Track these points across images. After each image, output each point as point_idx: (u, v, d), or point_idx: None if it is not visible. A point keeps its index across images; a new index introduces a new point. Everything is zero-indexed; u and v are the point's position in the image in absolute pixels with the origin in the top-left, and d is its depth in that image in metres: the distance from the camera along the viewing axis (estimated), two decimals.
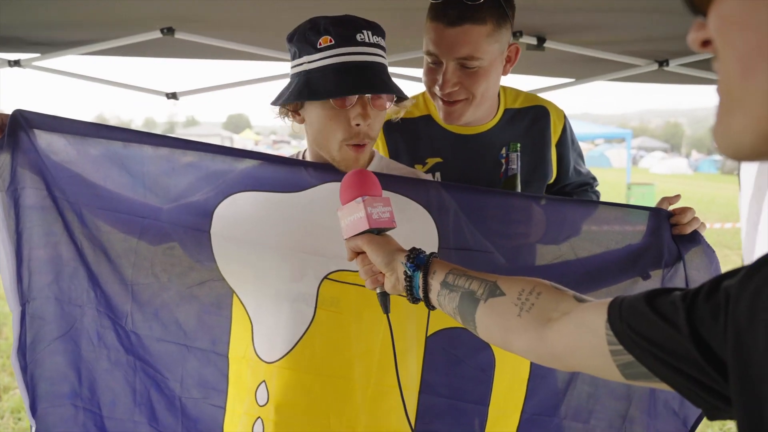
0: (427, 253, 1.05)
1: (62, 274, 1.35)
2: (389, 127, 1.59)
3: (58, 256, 1.34)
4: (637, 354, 0.71)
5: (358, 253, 1.12)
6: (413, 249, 1.05)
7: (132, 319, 1.36)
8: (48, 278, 1.34)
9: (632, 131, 32.24)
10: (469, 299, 0.95)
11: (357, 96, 1.23)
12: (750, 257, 3.02)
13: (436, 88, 1.49)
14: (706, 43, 0.52)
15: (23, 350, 1.33)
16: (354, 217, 1.09)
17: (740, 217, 3.02)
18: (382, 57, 1.28)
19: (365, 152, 1.30)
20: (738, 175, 2.99)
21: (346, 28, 1.22)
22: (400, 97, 1.32)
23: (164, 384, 1.38)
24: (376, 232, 1.10)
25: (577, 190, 1.79)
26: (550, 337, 0.84)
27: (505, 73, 1.57)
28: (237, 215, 1.32)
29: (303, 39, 1.25)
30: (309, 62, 1.24)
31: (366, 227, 1.08)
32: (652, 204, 1.42)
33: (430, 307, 1.04)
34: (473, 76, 1.47)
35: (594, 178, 1.85)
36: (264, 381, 1.34)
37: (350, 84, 1.22)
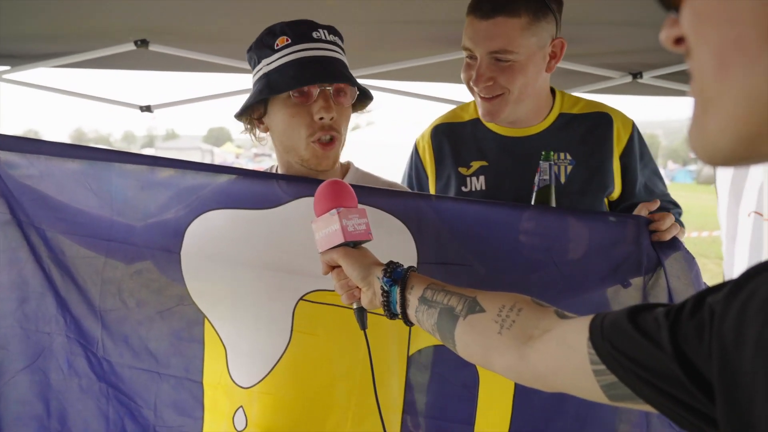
0: (405, 267, 1.02)
1: (28, 300, 1.30)
2: (437, 132, 1.60)
3: (23, 282, 1.29)
4: (620, 374, 0.68)
5: (333, 267, 1.08)
6: (390, 263, 1.02)
7: (103, 345, 1.31)
8: (12, 305, 1.29)
9: None
10: (448, 316, 0.92)
11: (319, 90, 1.23)
12: (730, 268, 3.06)
13: (473, 84, 1.46)
14: (679, 41, 0.49)
15: None
16: (329, 229, 1.06)
17: (720, 228, 3.06)
18: (341, 54, 1.28)
19: (334, 149, 1.27)
20: (715, 185, 3.03)
21: (301, 27, 1.24)
22: (363, 92, 1.31)
23: (138, 412, 1.33)
24: (352, 245, 1.06)
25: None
26: (531, 356, 0.81)
27: (549, 69, 1.51)
28: (209, 234, 1.28)
29: (260, 44, 1.27)
30: (267, 64, 1.25)
31: (341, 240, 1.04)
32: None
33: (408, 323, 1.01)
34: (508, 70, 1.43)
35: (675, 204, 1.64)
36: (241, 406, 1.31)
37: (309, 76, 1.22)
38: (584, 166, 1.54)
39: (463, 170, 1.55)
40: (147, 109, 2.75)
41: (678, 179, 30.14)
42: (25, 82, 2.84)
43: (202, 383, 1.32)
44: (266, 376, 1.29)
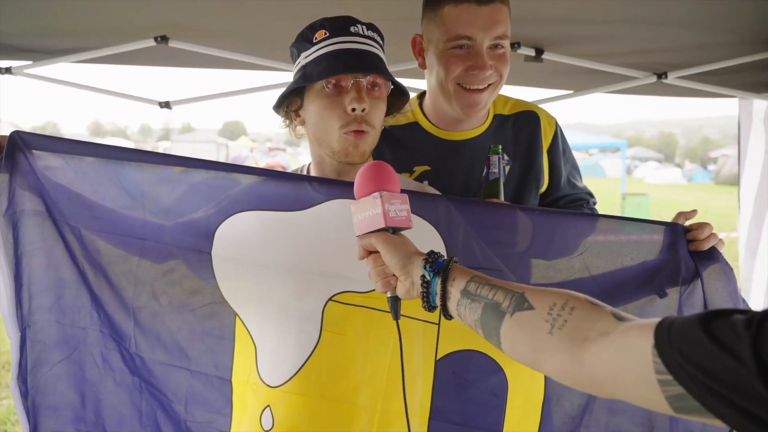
0: (447, 257, 0.97)
1: (64, 297, 1.32)
2: None
3: (59, 279, 1.31)
4: (689, 386, 0.63)
5: (371, 252, 1.04)
6: (431, 252, 0.97)
7: (135, 341, 1.33)
8: (50, 301, 1.31)
9: (627, 141, 32.36)
10: (493, 311, 0.87)
11: (352, 81, 1.22)
12: (748, 282, 2.98)
13: (463, 76, 1.44)
14: None
15: (23, 376, 1.30)
16: (369, 213, 1.01)
17: (738, 232, 3.00)
18: (377, 49, 1.27)
19: (366, 140, 1.26)
20: (738, 194, 2.96)
21: (340, 21, 1.25)
22: (398, 88, 1.30)
23: (169, 407, 1.35)
24: (392, 231, 1.02)
25: (571, 205, 1.72)
26: (587, 360, 0.75)
27: None
28: (239, 236, 1.28)
29: (301, 39, 1.28)
30: (305, 57, 1.26)
31: (382, 225, 1.00)
32: (647, 214, 1.39)
33: (448, 316, 0.96)
34: (502, 58, 1.44)
35: (591, 194, 1.76)
36: (269, 406, 1.30)
37: (341, 66, 1.21)
38: (519, 164, 1.59)
39: (405, 175, 1.53)
40: (166, 105, 2.76)
41: (696, 179, 29.76)
42: (46, 77, 2.86)
43: (231, 381, 1.33)
44: (294, 375, 1.29)
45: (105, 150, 1.30)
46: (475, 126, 1.58)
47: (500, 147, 1.42)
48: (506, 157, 1.57)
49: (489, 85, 1.46)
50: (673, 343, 0.64)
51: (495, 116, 1.61)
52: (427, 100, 1.60)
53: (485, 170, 1.41)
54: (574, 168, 1.74)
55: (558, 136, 1.65)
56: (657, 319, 0.69)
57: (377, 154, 1.52)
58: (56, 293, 1.31)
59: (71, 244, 1.30)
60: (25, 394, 1.30)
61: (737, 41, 2.32)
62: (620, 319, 0.76)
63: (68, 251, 1.30)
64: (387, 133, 1.47)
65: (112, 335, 1.33)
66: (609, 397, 0.78)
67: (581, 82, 2.87)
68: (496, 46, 1.44)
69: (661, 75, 2.58)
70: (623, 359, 0.71)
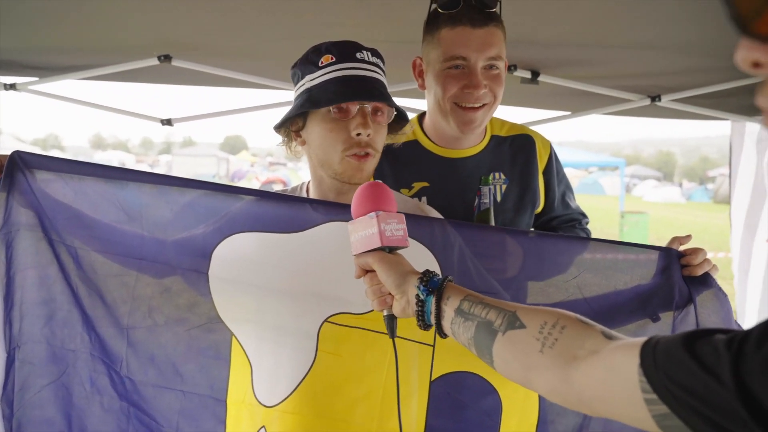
0: (442, 277, 0.99)
1: (55, 318, 1.31)
2: None
3: (51, 299, 1.30)
4: (673, 406, 0.63)
5: (367, 271, 1.05)
6: (427, 272, 0.99)
7: (127, 363, 1.32)
8: (40, 322, 1.31)
9: (625, 159, 32.44)
10: (485, 330, 0.88)
11: (358, 107, 1.25)
12: (742, 303, 2.99)
13: (459, 94, 1.50)
14: (757, 65, 0.47)
15: (9, 398, 1.28)
16: (365, 232, 1.03)
17: (732, 252, 3.02)
18: (381, 75, 1.31)
19: (368, 163, 1.29)
20: (729, 213, 2.99)
21: (346, 47, 1.28)
22: (399, 114, 1.33)
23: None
24: (388, 251, 1.04)
25: (564, 225, 1.77)
26: (576, 379, 0.76)
27: None
28: (236, 257, 1.30)
29: (305, 60, 1.30)
30: (311, 80, 1.28)
31: (378, 244, 1.01)
32: (646, 232, 1.41)
33: (443, 335, 0.97)
34: (496, 78, 1.51)
35: (583, 215, 1.81)
36: (264, 426, 1.30)
37: (350, 93, 1.25)
38: (516, 184, 1.65)
39: (404, 191, 1.58)
40: (168, 122, 2.79)
41: (695, 198, 29.80)
42: (50, 93, 2.90)
43: (225, 402, 1.33)
44: (290, 394, 1.29)
45: (105, 170, 1.31)
46: (473, 144, 1.64)
47: (490, 178, 1.50)
48: (503, 176, 1.65)
49: (484, 105, 1.52)
50: (657, 363, 0.65)
51: (492, 137, 1.67)
52: (427, 120, 1.65)
53: (477, 200, 1.48)
54: (568, 189, 1.79)
55: (552, 158, 1.72)
56: (644, 339, 0.70)
57: (378, 169, 1.55)
58: (47, 314, 1.31)
59: (66, 265, 1.30)
60: (9, 417, 1.28)
61: (730, 66, 2.35)
62: (609, 338, 0.77)
63: (62, 272, 1.30)
64: (387, 150, 1.51)
65: (102, 358, 1.33)
66: (598, 416, 0.79)
67: (577, 103, 2.91)
68: (490, 67, 1.50)
69: (654, 98, 2.62)
70: (611, 378, 0.72)
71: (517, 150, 1.68)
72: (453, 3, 1.47)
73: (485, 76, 1.49)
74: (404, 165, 1.60)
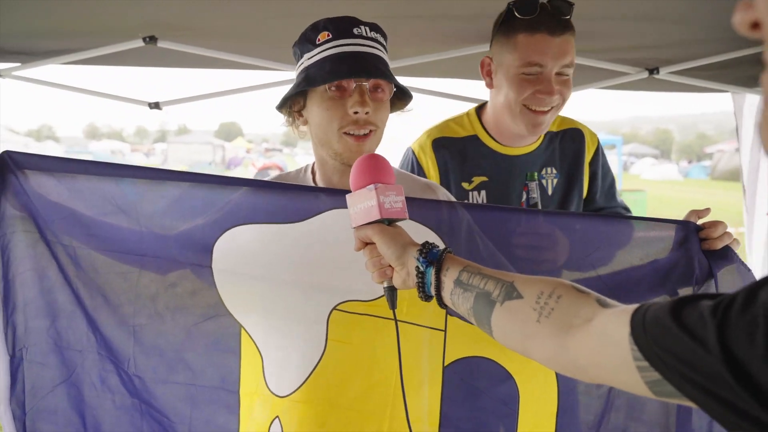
0: (441, 248, 1.00)
1: (59, 319, 1.30)
2: (438, 145, 1.68)
3: (53, 300, 1.29)
4: (664, 372, 0.65)
5: (367, 244, 1.06)
6: (426, 243, 1.00)
7: (135, 362, 1.31)
8: (46, 323, 1.29)
9: (623, 137, 32.40)
10: (484, 301, 0.89)
11: (355, 85, 1.23)
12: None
13: (531, 98, 1.56)
14: (755, 26, 0.46)
15: (19, 399, 1.27)
16: (364, 204, 1.03)
17: (745, 227, 2.99)
18: (381, 51, 1.27)
19: (368, 143, 1.26)
20: (742, 182, 2.96)
21: (343, 23, 1.25)
22: (401, 89, 1.29)
23: (171, 429, 1.33)
24: (387, 223, 1.04)
25: None
26: (572, 346, 0.78)
27: None
28: (238, 250, 1.27)
29: (303, 39, 1.29)
30: (308, 58, 1.27)
31: (377, 217, 1.02)
32: (644, 210, 1.38)
33: (443, 305, 0.98)
34: (567, 83, 1.59)
35: (627, 209, 1.88)
36: (278, 416, 1.29)
37: (345, 70, 1.22)
38: (565, 177, 1.75)
39: (465, 185, 1.66)
40: (156, 105, 2.73)
41: (692, 175, 29.84)
42: (36, 79, 2.83)
43: (238, 393, 1.31)
44: (302, 384, 1.28)
45: (98, 167, 1.28)
46: (530, 142, 1.71)
47: (536, 173, 1.56)
48: (554, 171, 1.75)
49: (552, 108, 1.59)
50: (647, 331, 0.66)
51: (546, 133, 1.73)
52: (489, 116, 1.71)
53: (524, 195, 1.52)
54: (612, 183, 1.87)
55: (599, 151, 1.81)
56: (635, 306, 0.70)
57: (441, 162, 1.67)
58: (51, 315, 1.29)
59: (65, 265, 1.28)
60: (21, 418, 1.27)
61: (728, 36, 2.32)
62: (604, 305, 0.78)
63: (62, 272, 1.28)
64: (450, 143, 1.62)
65: (110, 357, 1.31)
66: (595, 382, 0.80)
67: (574, 78, 2.86)
68: (562, 73, 1.57)
69: (653, 70, 2.57)
70: (604, 346, 0.73)
71: (568, 143, 1.77)
72: (531, 9, 1.52)
73: (557, 81, 1.56)
74: (465, 159, 1.68)
